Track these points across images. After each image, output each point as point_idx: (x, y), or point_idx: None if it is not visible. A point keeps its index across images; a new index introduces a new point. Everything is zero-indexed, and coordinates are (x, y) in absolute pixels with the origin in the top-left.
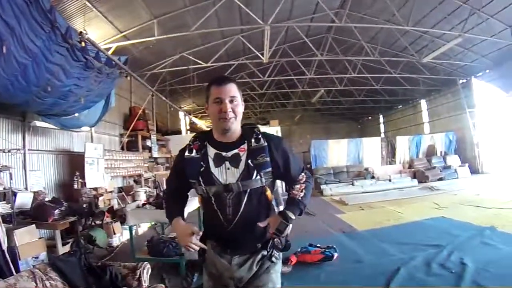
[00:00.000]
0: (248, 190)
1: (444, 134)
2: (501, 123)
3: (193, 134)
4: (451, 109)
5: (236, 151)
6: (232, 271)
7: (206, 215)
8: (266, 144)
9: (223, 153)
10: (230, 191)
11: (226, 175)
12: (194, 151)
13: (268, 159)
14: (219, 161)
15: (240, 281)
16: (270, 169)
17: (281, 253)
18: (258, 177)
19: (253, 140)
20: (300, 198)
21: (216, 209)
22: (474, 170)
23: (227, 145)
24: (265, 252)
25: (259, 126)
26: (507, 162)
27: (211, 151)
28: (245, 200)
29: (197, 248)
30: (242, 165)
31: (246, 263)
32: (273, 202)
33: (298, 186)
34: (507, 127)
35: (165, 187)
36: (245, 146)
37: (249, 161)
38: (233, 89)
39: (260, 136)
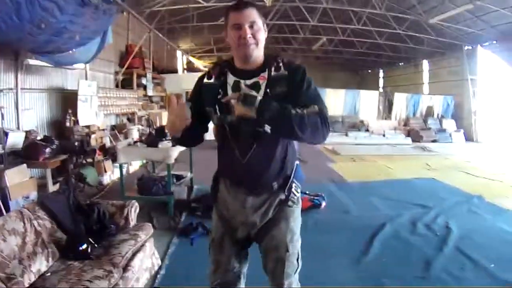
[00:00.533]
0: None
1: (443, 97)
2: (501, 94)
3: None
4: (452, 74)
5: (256, 79)
6: (246, 214)
7: (220, 148)
8: (286, 73)
9: (242, 81)
10: (245, 121)
11: None
12: (213, 77)
13: (286, 88)
14: (237, 88)
15: (253, 226)
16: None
17: (299, 196)
18: None
19: (273, 69)
20: (299, 112)
21: (230, 139)
22: (468, 137)
23: (248, 72)
24: (283, 196)
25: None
26: (502, 133)
27: (230, 78)
28: (262, 129)
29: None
30: (261, 94)
31: (262, 207)
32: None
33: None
34: (507, 99)
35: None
36: (265, 74)
37: (268, 90)
38: (253, 14)
39: (281, 65)
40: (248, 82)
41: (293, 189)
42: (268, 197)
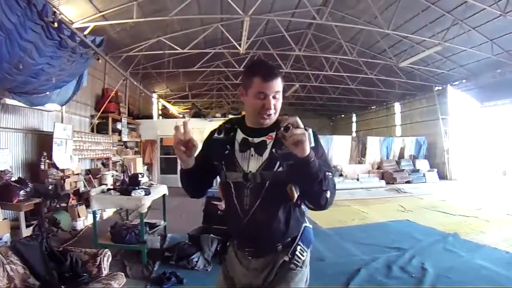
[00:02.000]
0: (268, 182)
1: (415, 138)
2: (472, 132)
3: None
4: (424, 115)
5: (263, 138)
6: (250, 277)
7: (226, 204)
8: None
9: (250, 139)
10: (249, 181)
11: (249, 162)
12: (223, 132)
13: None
14: (244, 146)
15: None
16: (293, 161)
17: (307, 259)
18: (281, 168)
19: (282, 128)
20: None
21: (234, 198)
22: (442, 176)
23: (256, 130)
24: (286, 258)
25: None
26: (476, 171)
27: (239, 136)
28: (263, 192)
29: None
30: (266, 153)
31: (265, 270)
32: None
33: None
34: (478, 137)
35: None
36: (273, 134)
37: (273, 150)
38: (278, 84)
39: (290, 126)
40: (256, 140)
41: (297, 252)
42: (272, 259)
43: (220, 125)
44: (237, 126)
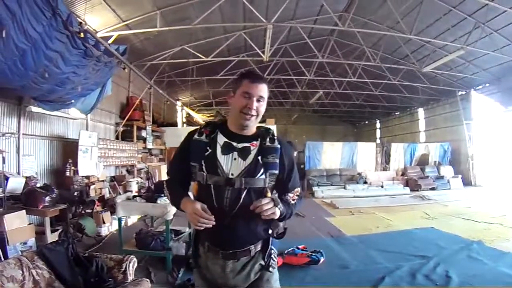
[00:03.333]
0: (248, 188)
1: (439, 144)
2: (497, 137)
3: (196, 127)
4: (448, 120)
5: (247, 144)
6: (227, 279)
7: None
8: (279, 146)
9: (234, 143)
10: (231, 186)
11: (231, 165)
12: (204, 135)
13: (277, 160)
14: (227, 149)
15: None
16: (277, 171)
17: (277, 262)
18: (263, 176)
19: (268, 139)
20: (292, 202)
21: (214, 200)
22: (467, 182)
23: (239, 136)
24: (262, 262)
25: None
26: (501, 176)
27: (221, 139)
28: (243, 195)
29: (211, 222)
30: (250, 158)
31: (243, 271)
32: None
33: (292, 194)
34: (503, 142)
35: (166, 176)
36: (257, 143)
37: (259, 157)
38: (264, 89)
39: (275, 138)
40: (240, 145)
41: (272, 256)
42: (247, 261)
43: (200, 128)
44: (217, 129)
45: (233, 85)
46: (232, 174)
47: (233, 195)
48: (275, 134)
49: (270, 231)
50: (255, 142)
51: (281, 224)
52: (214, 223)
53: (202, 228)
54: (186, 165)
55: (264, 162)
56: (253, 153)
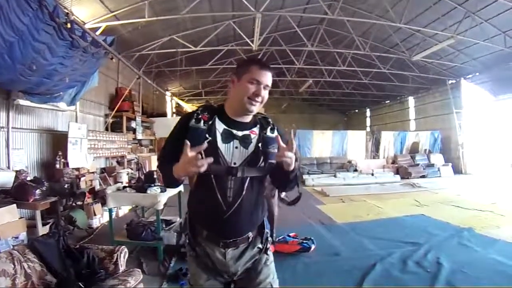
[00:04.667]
0: (250, 177)
1: (429, 133)
2: (487, 125)
3: (200, 105)
4: (438, 108)
5: (247, 132)
6: (228, 266)
7: (200, 196)
8: (279, 135)
9: (234, 131)
10: (234, 175)
11: (233, 154)
12: (202, 121)
13: (277, 150)
14: (227, 137)
15: (235, 274)
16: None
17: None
18: (263, 164)
19: (268, 129)
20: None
21: (216, 190)
22: (457, 170)
23: (239, 123)
24: (260, 246)
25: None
26: (490, 164)
27: (220, 126)
28: (246, 185)
29: (208, 161)
30: (252, 147)
31: (242, 258)
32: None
33: None
34: (493, 130)
35: (157, 161)
36: (256, 130)
37: (260, 146)
38: (270, 78)
39: (275, 128)
40: (240, 133)
41: (268, 239)
42: (246, 247)
43: (197, 112)
44: (215, 115)
45: (238, 69)
46: (234, 163)
47: (236, 185)
48: (273, 122)
49: (283, 197)
50: (254, 129)
51: (295, 186)
52: (211, 159)
53: (204, 169)
54: (180, 149)
55: (264, 152)
56: (254, 141)
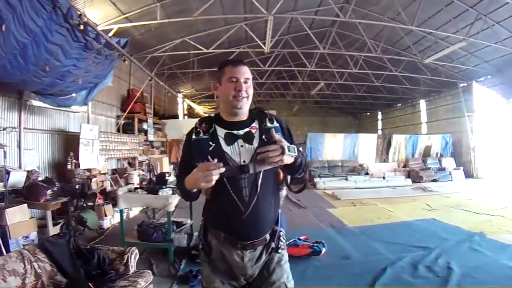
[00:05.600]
0: (262, 172)
1: (441, 136)
2: (498, 129)
3: (197, 118)
4: (449, 112)
5: (247, 129)
6: (246, 269)
7: (216, 202)
8: (278, 124)
9: (235, 131)
10: (246, 172)
11: (240, 153)
12: (202, 132)
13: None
14: (230, 139)
15: (252, 276)
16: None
17: (285, 242)
18: None
19: (267, 120)
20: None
21: (232, 194)
22: (468, 174)
23: (237, 123)
24: (273, 245)
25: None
26: (502, 168)
27: (221, 131)
28: (260, 181)
29: (220, 164)
30: (256, 142)
31: (259, 261)
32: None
33: None
34: (505, 134)
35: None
36: (256, 125)
37: (264, 138)
38: (247, 71)
39: (273, 118)
40: (241, 132)
41: (281, 237)
42: (262, 249)
43: (195, 127)
44: (214, 123)
45: (216, 77)
46: (244, 162)
47: (250, 183)
48: (268, 112)
49: (290, 186)
50: (253, 125)
51: (301, 175)
52: (222, 166)
53: (217, 178)
54: (192, 167)
55: (269, 141)
56: (256, 135)
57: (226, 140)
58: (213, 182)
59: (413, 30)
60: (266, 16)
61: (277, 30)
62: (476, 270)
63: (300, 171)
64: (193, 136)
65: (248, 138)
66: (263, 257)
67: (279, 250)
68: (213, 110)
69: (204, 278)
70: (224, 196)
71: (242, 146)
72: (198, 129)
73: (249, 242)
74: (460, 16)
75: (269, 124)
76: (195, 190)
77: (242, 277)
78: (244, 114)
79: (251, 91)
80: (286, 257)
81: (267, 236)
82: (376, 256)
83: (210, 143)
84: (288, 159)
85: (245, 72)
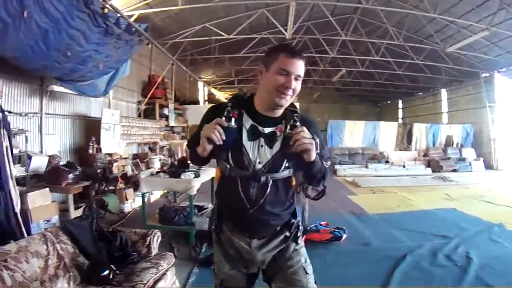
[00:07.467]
0: (273, 179)
1: (461, 126)
2: None
3: (227, 98)
4: (471, 102)
5: (273, 129)
6: (253, 255)
7: (224, 192)
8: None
9: (260, 128)
10: (257, 181)
11: (258, 153)
12: (233, 120)
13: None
14: (254, 134)
15: (263, 263)
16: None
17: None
18: (287, 165)
19: (289, 127)
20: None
21: (240, 190)
22: (488, 165)
23: (266, 119)
24: (288, 233)
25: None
26: None
27: (247, 121)
28: (270, 185)
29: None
30: (276, 146)
31: (268, 245)
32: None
33: None
34: None
35: (186, 149)
36: (282, 126)
37: (284, 143)
38: (302, 67)
39: (297, 124)
40: (266, 130)
41: (299, 228)
42: (272, 237)
43: (228, 110)
44: (243, 109)
45: (265, 58)
46: (259, 163)
47: (258, 186)
48: (298, 115)
49: (308, 191)
50: (280, 126)
51: (319, 181)
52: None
53: (220, 142)
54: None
55: (288, 151)
56: (279, 139)
57: (249, 133)
58: (218, 135)
59: (435, 18)
60: (288, 2)
61: (299, 17)
62: (495, 260)
63: (319, 179)
64: (224, 120)
65: (270, 139)
66: (273, 243)
67: (298, 240)
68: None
69: (215, 261)
70: (232, 188)
71: (262, 146)
72: (231, 115)
73: (255, 233)
74: (483, 5)
75: (289, 131)
76: (205, 153)
77: (253, 264)
78: (279, 111)
79: (297, 90)
80: (302, 243)
81: (278, 228)
82: (396, 243)
83: (236, 133)
84: (313, 152)
85: (300, 68)
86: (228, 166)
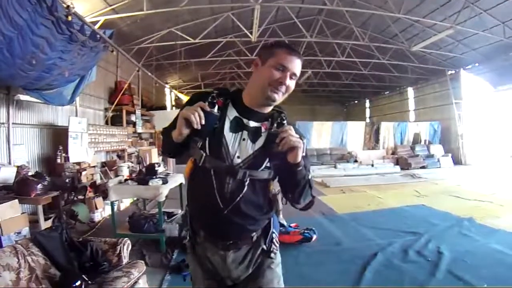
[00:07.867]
0: (251, 179)
1: (429, 123)
2: (486, 116)
3: (216, 87)
4: (437, 99)
5: (258, 124)
6: (228, 269)
7: (196, 189)
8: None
9: (245, 120)
10: (233, 177)
11: (239, 146)
12: (217, 107)
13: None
14: (237, 126)
15: (237, 279)
16: (281, 162)
17: (278, 246)
18: (268, 164)
19: (275, 124)
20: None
21: (214, 185)
22: (456, 161)
23: (253, 113)
24: (264, 247)
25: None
26: (490, 155)
27: (232, 112)
28: (246, 185)
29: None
30: (260, 142)
31: (245, 261)
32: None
33: None
34: (492, 121)
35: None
36: (268, 124)
37: (268, 141)
38: (299, 66)
39: (284, 123)
40: (251, 124)
41: (274, 240)
42: (249, 249)
43: (212, 95)
44: (229, 100)
45: (263, 52)
46: (238, 157)
47: (234, 183)
48: (286, 117)
49: (298, 202)
50: (266, 123)
51: (309, 191)
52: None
53: (198, 127)
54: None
55: (270, 150)
56: (263, 136)
57: (232, 124)
58: (197, 118)
59: (400, 18)
60: (253, 5)
61: (264, 19)
62: (466, 254)
63: (302, 187)
64: (206, 106)
65: (254, 134)
66: (249, 257)
67: (271, 255)
68: None
69: (191, 270)
70: (205, 184)
71: (244, 139)
72: (215, 101)
73: (231, 242)
74: (448, 4)
75: (275, 129)
76: (179, 139)
77: (228, 279)
78: (267, 108)
79: (291, 89)
80: (278, 260)
81: (254, 234)
82: (366, 242)
83: (217, 122)
84: (300, 152)
85: (297, 66)
86: (204, 155)
